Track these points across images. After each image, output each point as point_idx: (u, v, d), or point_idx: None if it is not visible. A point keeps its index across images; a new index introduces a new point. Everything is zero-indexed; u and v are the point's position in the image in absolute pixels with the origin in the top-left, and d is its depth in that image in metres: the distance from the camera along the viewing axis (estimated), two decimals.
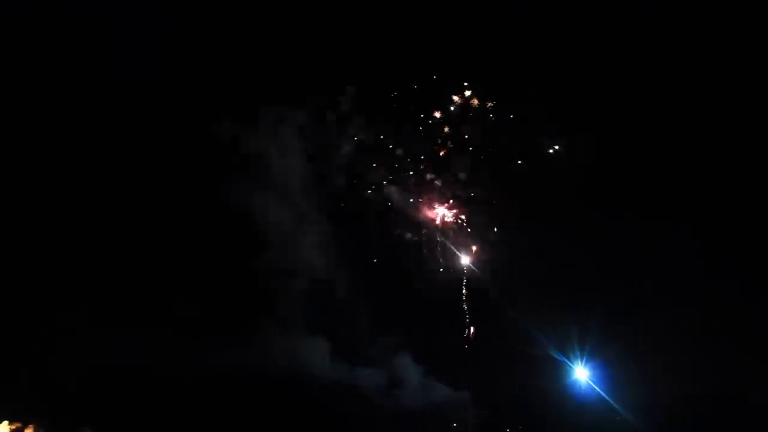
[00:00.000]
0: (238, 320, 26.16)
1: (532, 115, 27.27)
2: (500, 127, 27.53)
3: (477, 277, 27.84)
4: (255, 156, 26.50)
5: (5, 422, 23.55)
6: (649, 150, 27.47)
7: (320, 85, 26.64)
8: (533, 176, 27.60)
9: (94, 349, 24.80)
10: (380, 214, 27.69)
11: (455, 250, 27.83)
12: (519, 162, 27.66)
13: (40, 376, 24.68)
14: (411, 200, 27.80)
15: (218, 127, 26.22)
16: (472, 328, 27.74)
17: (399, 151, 27.63)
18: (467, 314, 27.81)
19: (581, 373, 26.70)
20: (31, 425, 24.12)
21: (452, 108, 27.64)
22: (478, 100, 27.62)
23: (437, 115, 27.67)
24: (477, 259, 27.88)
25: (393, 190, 27.70)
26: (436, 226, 27.91)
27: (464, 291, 27.82)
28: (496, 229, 27.79)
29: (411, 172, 27.81)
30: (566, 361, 26.66)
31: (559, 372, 26.88)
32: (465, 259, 27.91)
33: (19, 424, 23.85)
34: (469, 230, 27.95)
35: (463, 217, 27.93)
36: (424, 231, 27.85)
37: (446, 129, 27.63)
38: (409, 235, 27.77)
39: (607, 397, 26.23)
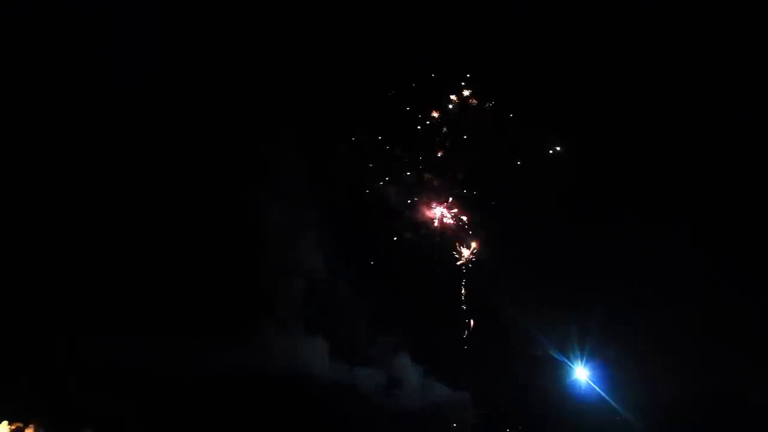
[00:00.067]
0: (238, 320, 26.16)
1: (531, 115, 27.21)
2: (499, 127, 27.49)
3: (476, 276, 27.81)
4: (255, 156, 26.52)
5: (5, 422, 23.55)
6: (649, 150, 27.47)
7: (319, 84, 26.68)
8: (533, 176, 27.53)
9: (94, 349, 24.75)
10: (379, 214, 27.69)
11: (454, 249, 27.86)
12: (518, 162, 27.60)
13: (40, 376, 24.63)
14: (410, 200, 27.87)
15: (218, 127, 26.24)
16: (471, 328, 27.71)
17: (397, 151, 27.64)
18: (467, 314, 27.82)
19: (581, 373, 26.71)
20: (31, 425, 24.11)
21: (450, 106, 27.68)
22: (477, 100, 27.63)
23: (435, 115, 27.74)
24: (476, 259, 27.88)
25: (391, 190, 27.72)
26: (435, 226, 27.96)
27: (463, 291, 27.81)
28: (495, 229, 27.74)
29: (409, 172, 27.88)
30: (566, 361, 26.64)
31: (559, 372, 26.90)
32: (464, 259, 27.91)
33: (19, 424, 23.86)
34: (468, 230, 27.96)
35: (463, 217, 27.97)
36: (422, 231, 27.89)
37: (444, 129, 27.66)
38: (407, 235, 27.79)
39: (607, 397, 26.21)
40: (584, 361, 26.55)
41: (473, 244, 27.90)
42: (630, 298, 26.26)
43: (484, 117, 27.65)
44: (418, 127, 27.72)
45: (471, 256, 27.88)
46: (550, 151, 27.72)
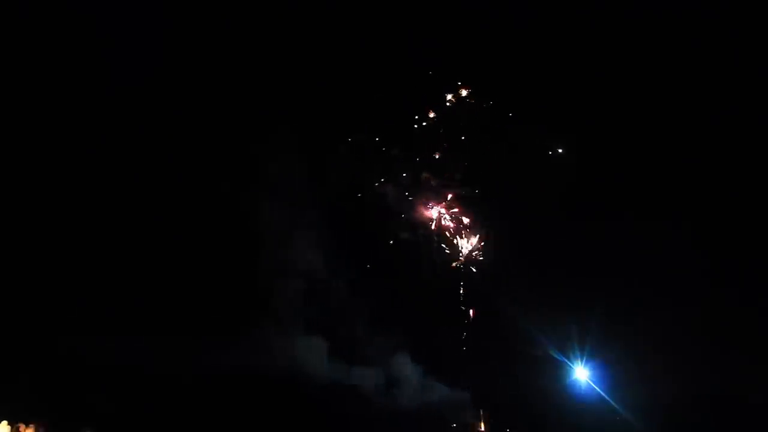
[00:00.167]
0: (237, 320, 26.18)
1: (531, 115, 27.19)
2: (498, 127, 27.46)
3: (475, 276, 27.80)
4: (253, 156, 26.53)
5: (5, 422, 23.61)
6: (649, 150, 27.40)
7: (317, 84, 26.70)
8: (533, 176, 27.51)
9: (94, 349, 24.80)
10: (377, 213, 27.68)
11: (453, 249, 27.86)
12: (518, 162, 27.57)
13: (40, 376, 24.66)
14: (408, 199, 27.84)
15: (216, 127, 26.26)
16: (469, 327, 27.72)
17: (395, 151, 27.63)
18: (466, 314, 27.79)
19: (581, 373, 26.65)
20: (31, 425, 24.17)
21: (447, 104, 27.65)
22: (474, 99, 27.63)
23: (431, 115, 27.72)
24: (475, 259, 27.85)
25: (389, 190, 27.71)
26: (433, 226, 27.96)
27: (461, 291, 27.80)
28: (494, 229, 27.73)
29: (407, 172, 27.86)
30: (566, 361, 26.60)
31: (559, 372, 26.84)
32: (463, 259, 27.90)
33: (20, 424, 23.93)
34: (466, 229, 27.94)
35: (462, 217, 27.96)
36: (421, 231, 27.89)
37: (441, 129, 27.66)
38: (405, 235, 27.78)
39: (607, 397, 26.17)
40: (584, 361, 26.48)
41: (472, 244, 27.89)
42: (630, 298, 26.18)
43: (483, 116, 27.62)
44: (415, 126, 27.77)
45: (470, 256, 27.86)
46: (551, 152, 27.61)
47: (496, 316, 27.29)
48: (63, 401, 24.47)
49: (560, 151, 27.73)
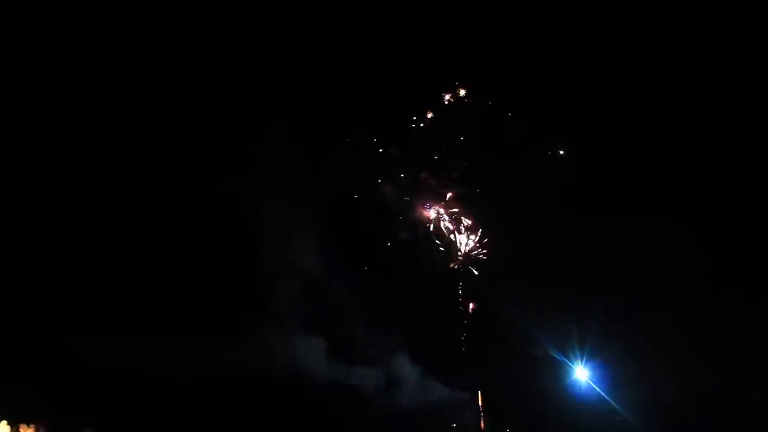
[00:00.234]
0: (237, 321, 26.22)
1: (530, 116, 27.22)
2: (497, 127, 27.47)
3: (475, 276, 27.82)
4: (252, 157, 26.54)
5: (5, 422, 23.64)
6: (649, 151, 27.42)
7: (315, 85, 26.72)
8: (533, 176, 27.54)
9: (94, 349, 24.83)
10: (376, 213, 27.69)
11: (451, 249, 27.87)
12: (517, 162, 27.59)
13: (40, 376, 24.69)
14: (406, 199, 27.85)
15: (216, 128, 26.28)
16: (469, 327, 27.73)
17: (392, 150, 27.64)
18: (464, 314, 27.80)
19: (581, 373, 26.66)
20: (31, 425, 24.20)
21: (446, 102, 27.66)
22: (473, 99, 27.65)
23: (429, 115, 27.73)
24: (474, 259, 27.87)
25: (388, 189, 27.72)
26: (432, 225, 27.97)
27: (460, 291, 27.82)
28: (494, 229, 27.75)
29: (405, 172, 27.88)
30: (566, 361, 26.61)
31: (559, 372, 26.85)
32: (461, 258, 27.91)
33: (22, 425, 23.97)
34: (465, 229, 27.95)
35: (461, 217, 27.95)
36: (420, 230, 27.91)
37: (440, 130, 27.67)
38: (404, 235, 27.80)
39: (607, 397, 26.17)
40: (584, 361, 26.47)
41: (471, 244, 27.92)
42: (630, 298, 26.20)
43: (481, 116, 27.63)
44: (413, 126, 27.77)
45: (469, 256, 27.86)
46: (551, 153, 27.63)
47: (495, 316, 27.29)
48: (63, 401, 24.46)
49: (561, 152, 27.66)
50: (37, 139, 26.24)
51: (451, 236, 27.88)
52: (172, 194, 26.45)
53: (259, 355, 25.48)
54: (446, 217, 27.89)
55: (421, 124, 27.70)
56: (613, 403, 26.04)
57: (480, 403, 27.56)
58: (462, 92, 27.73)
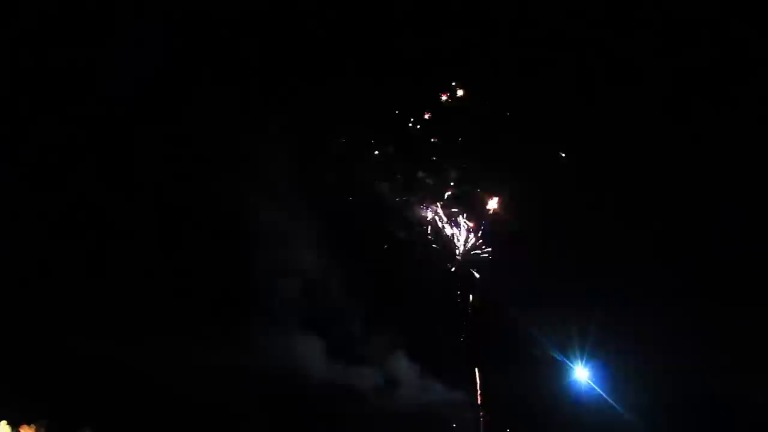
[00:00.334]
0: (236, 321, 26.26)
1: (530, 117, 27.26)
2: (496, 127, 27.50)
3: (474, 276, 27.84)
4: (248, 156, 26.56)
5: (4, 422, 23.65)
6: (649, 151, 27.40)
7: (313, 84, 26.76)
8: (533, 177, 27.56)
9: (93, 349, 24.88)
10: (375, 213, 27.72)
11: (450, 248, 27.89)
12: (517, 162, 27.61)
13: (40, 376, 24.70)
14: (404, 199, 27.89)
15: (213, 128, 26.30)
16: (468, 327, 27.74)
17: (390, 150, 27.67)
18: (463, 313, 27.83)
19: (581, 373, 26.65)
20: (31, 425, 24.21)
21: (443, 101, 27.71)
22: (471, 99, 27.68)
23: (426, 116, 27.79)
24: (473, 258, 27.89)
25: (385, 189, 27.74)
26: (430, 225, 28.03)
27: (459, 291, 27.84)
28: (494, 229, 27.78)
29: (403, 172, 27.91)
30: (566, 361, 26.61)
31: (559, 372, 26.85)
32: (460, 258, 27.93)
33: (22, 425, 23.98)
34: (464, 228, 27.97)
35: (459, 217, 27.97)
36: (418, 230, 27.93)
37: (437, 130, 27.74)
38: (402, 234, 27.84)
39: (607, 397, 26.16)
40: (584, 361, 26.46)
41: (470, 244, 27.93)
42: (630, 298, 26.16)
43: (480, 116, 27.66)
44: (410, 125, 27.81)
45: (467, 255, 27.88)
46: (551, 155, 27.68)
47: (495, 316, 27.29)
48: (63, 401, 24.48)
49: (563, 155, 27.71)
50: (37, 139, 26.23)
51: (450, 236, 27.96)
52: (169, 194, 26.48)
53: (257, 354, 25.58)
54: (444, 218, 27.96)
55: (418, 126, 27.75)
56: (613, 403, 26.01)
57: (480, 403, 27.56)
58: (460, 92, 27.76)
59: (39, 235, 25.96)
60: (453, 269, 27.88)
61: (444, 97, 27.63)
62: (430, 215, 27.93)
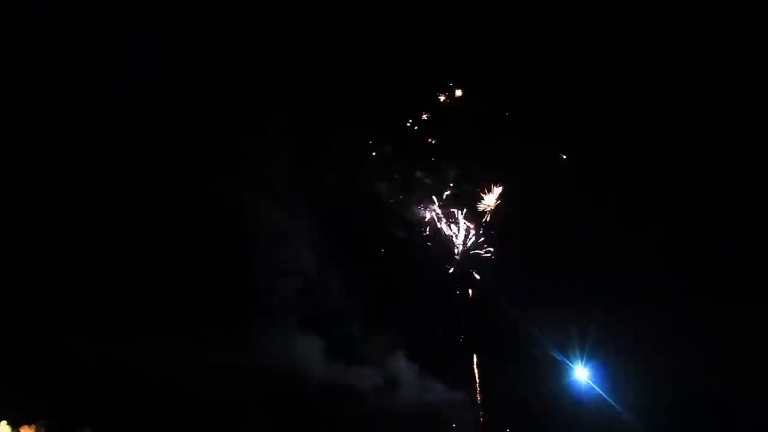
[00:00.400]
0: (235, 321, 26.25)
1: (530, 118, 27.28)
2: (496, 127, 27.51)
3: (474, 276, 27.83)
4: (248, 157, 26.57)
5: (4, 422, 23.66)
6: (650, 152, 27.41)
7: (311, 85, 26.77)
8: (533, 177, 27.58)
9: (93, 349, 24.90)
10: (374, 213, 27.73)
11: (449, 248, 27.88)
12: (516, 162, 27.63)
13: (40, 376, 24.71)
14: (402, 198, 27.90)
15: (212, 128, 26.30)
16: (468, 327, 27.74)
17: (389, 149, 27.69)
18: (462, 313, 27.81)
19: (581, 373, 26.66)
20: (31, 425, 24.22)
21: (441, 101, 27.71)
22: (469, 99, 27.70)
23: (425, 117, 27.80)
24: (473, 258, 27.88)
25: (384, 189, 27.75)
26: (429, 224, 28.03)
27: (457, 291, 27.84)
28: (494, 229, 27.79)
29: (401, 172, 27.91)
30: (566, 361, 26.61)
31: (559, 372, 26.86)
32: (458, 258, 27.93)
33: (23, 425, 23.99)
34: (463, 228, 27.99)
35: (458, 217, 27.96)
36: (418, 229, 27.93)
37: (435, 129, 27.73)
38: (401, 234, 27.84)
39: (607, 397, 26.16)
40: (584, 361, 26.46)
41: (469, 244, 27.93)
42: (630, 298, 26.17)
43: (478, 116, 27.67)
44: (408, 124, 27.81)
45: (466, 254, 27.88)
46: (552, 156, 27.70)
47: (495, 316, 27.30)
48: (62, 401, 24.48)
49: (563, 156, 27.73)
50: (37, 139, 26.24)
51: (449, 236, 27.95)
52: (168, 194, 26.49)
53: (257, 354, 25.58)
54: (443, 218, 27.97)
55: (416, 127, 27.75)
56: (613, 403, 26.02)
57: (480, 403, 27.56)
58: (458, 92, 27.77)
59: (39, 235, 25.98)
60: (452, 269, 27.86)
61: (443, 98, 27.68)
62: (429, 215, 27.96)
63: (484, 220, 27.82)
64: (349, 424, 26.36)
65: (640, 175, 27.43)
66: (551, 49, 26.99)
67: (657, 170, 27.31)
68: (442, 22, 27.01)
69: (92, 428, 24.70)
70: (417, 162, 27.79)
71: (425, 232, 27.96)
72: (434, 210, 27.91)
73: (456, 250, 27.88)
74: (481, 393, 27.54)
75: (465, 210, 27.84)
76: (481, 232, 27.90)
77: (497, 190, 27.64)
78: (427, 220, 27.93)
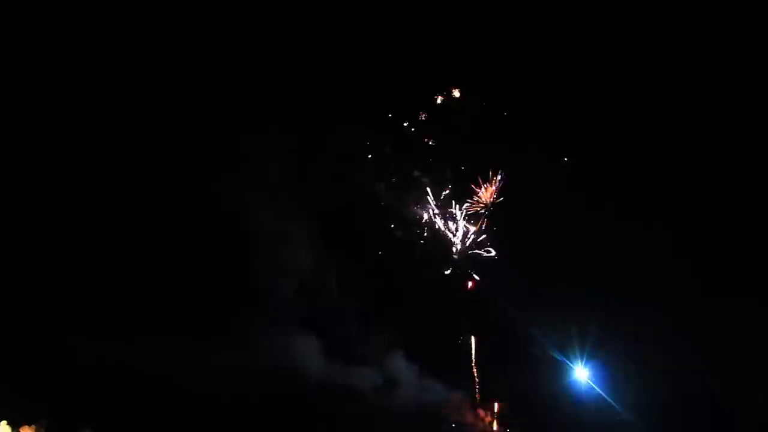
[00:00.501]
0: (235, 321, 26.26)
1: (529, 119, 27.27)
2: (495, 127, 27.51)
3: (473, 276, 27.84)
4: (247, 157, 26.57)
5: (4, 422, 23.70)
6: (650, 152, 27.44)
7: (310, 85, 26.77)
8: (533, 178, 27.57)
9: (93, 349, 24.95)
10: (374, 213, 27.72)
11: (448, 248, 27.88)
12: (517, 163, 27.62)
13: (40, 376, 24.74)
14: (401, 198, 27.87)
15: (211, 129, 26.32)
16: (467, 326, 27.74)
17: (388, 149, 27.69)
18: (462, 313, 27.81)
19: (581, 373, 26.66)
20: (31, 425, 24.25)
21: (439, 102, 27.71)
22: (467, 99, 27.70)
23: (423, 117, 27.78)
24: (473, 258, 27.88)
25: (383, 188, 27.75)
26: (428, 225, 28.01)
27: (457, 291, 27.84)
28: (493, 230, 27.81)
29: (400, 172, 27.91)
30: (566, 361, 26.61)
31: (559, 372, 26.86)
32: (457, 258, 27.92)
33: (23, 425, 24.03)
34: (463, 228, 27.99)
35: (457, 217, 27.98)
36: (417, 230, 27.94)
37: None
38: (400, 234, 27.85)
39: (607, 397, 26.16)
40: (584, 361, 26.46)
41: (469, 242, 27.94)
42: (630, 298, 26.17)
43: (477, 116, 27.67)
44: (406, 124, 27.82)
45: (465, 252, 27.87)
46: (553, 156, 27.69)
47: (494, 316, 27.29)
48: (62, 401, 24.51)
49: (566, 159, 27.74)
50: (36, 139, 26.27)
51: (449, 236, 27.96)
52: (167, 194, 26.51)
53: (257, 354, 25.58)
54: (442, 218, 27.98)
55: (413, 129, 27.75)
56: (613, 403, 26.02)
57: (480, 403, 27.56)
58: (456, 93, 27.76)
59: (39, 235, 26.02)
60: (452, 269, 27.86)
61: (439, 99, 27.70)
62: (428, 215, 27.96)
63: (483, 220, 27.80)
64: (349, 424, 26.33)
65: (640, 175, 27.43)
66: (551, 48, 26.97)
67: (657, 170, 27.32)
68: (442, 23, 26.97)
69: (92, 428, 24.72)
70: (416, 161, 27.82)
71: (425, 232, 27.96)
72: (433, 210, 27.94)
73: (455, 250, 27.88)
74: (481, 393, 27.55)
75: (464, 210, 27.86)
76: (482, 229, 27.88)
77: (497, 191, 27.59)
78: (425, 220, 27.96)
